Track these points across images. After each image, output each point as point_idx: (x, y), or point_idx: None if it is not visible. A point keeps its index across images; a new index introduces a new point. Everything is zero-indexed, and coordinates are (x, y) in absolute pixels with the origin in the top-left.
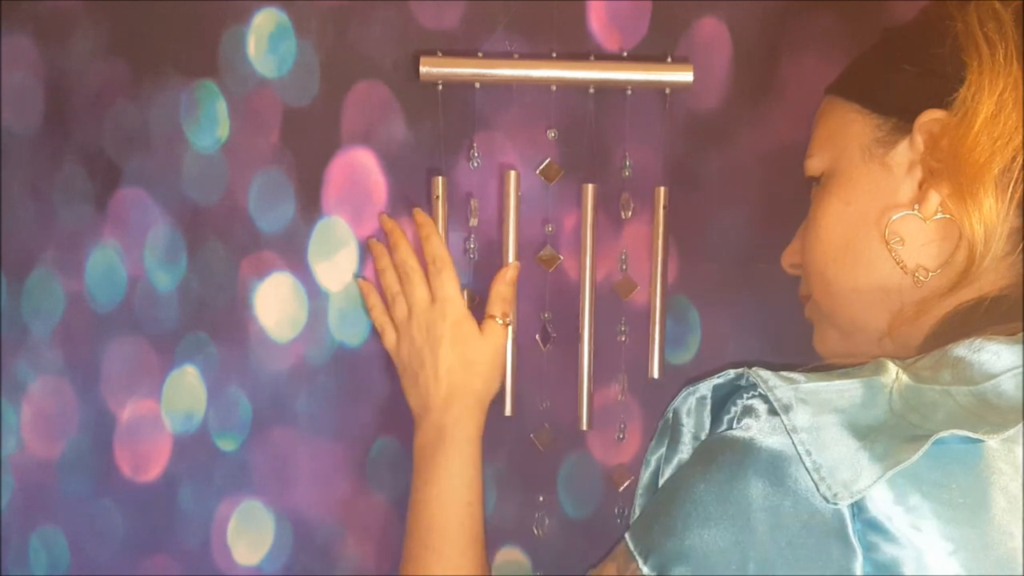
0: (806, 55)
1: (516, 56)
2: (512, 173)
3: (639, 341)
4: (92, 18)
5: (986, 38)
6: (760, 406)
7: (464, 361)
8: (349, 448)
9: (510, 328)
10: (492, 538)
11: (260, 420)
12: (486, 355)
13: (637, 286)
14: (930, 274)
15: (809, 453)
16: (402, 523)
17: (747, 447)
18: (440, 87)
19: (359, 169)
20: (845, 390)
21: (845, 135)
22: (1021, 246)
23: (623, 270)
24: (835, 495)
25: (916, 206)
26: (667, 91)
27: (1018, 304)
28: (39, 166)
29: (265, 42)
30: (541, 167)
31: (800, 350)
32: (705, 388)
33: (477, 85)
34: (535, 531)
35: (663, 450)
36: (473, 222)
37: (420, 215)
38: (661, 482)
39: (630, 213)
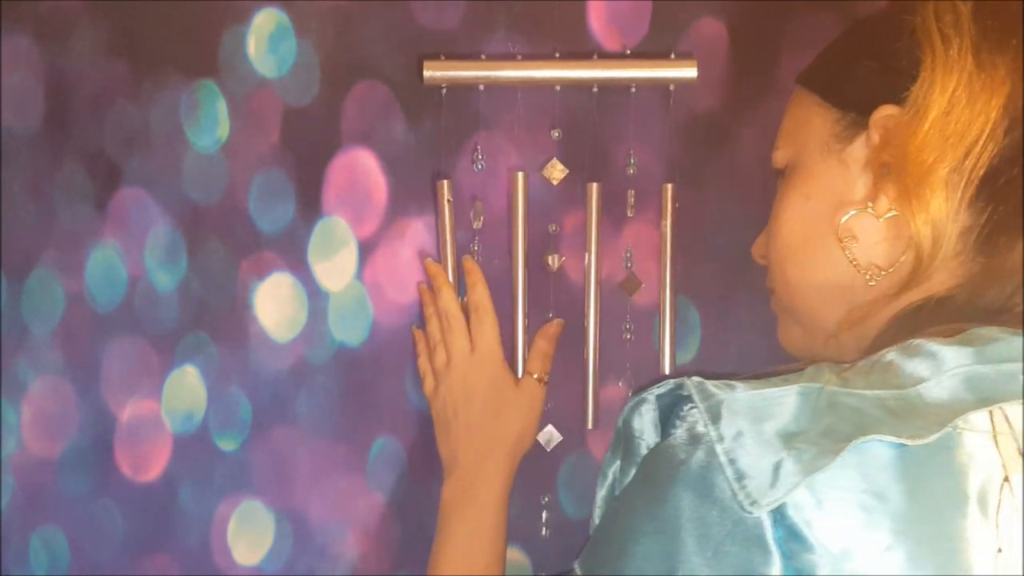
0: (806, 55)
1: (519, 57)
2: (519, 174)
3: (644, 340)
4: (92, 18)
5: (941, 33)
6: (696, 417)
7: (498, 417)
8: (349, 448)
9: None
10: None
11: (260, 420)
12: (520, 412)
13: (643, 284)
14: (882, 273)
15: (732, 462)
16: (402, 523)
17: (680, 459)
18: (444, 90)
19: (359, 169)
20: (776, 398)
21: (807, 128)
22: (972, 245)
23: (628, 268)
24: (752, 503)
25: (870, 204)
26: (671, 87)
27: (964, 304)
28: (39, 166)
29: (265, 42)
30: (545, 167)
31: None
32: (649, 398)
33: (481, 87)
34: (543, 531)
35: (619, 462)
36: (477, 224)
37: (469, 262)
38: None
39: (633, 212)
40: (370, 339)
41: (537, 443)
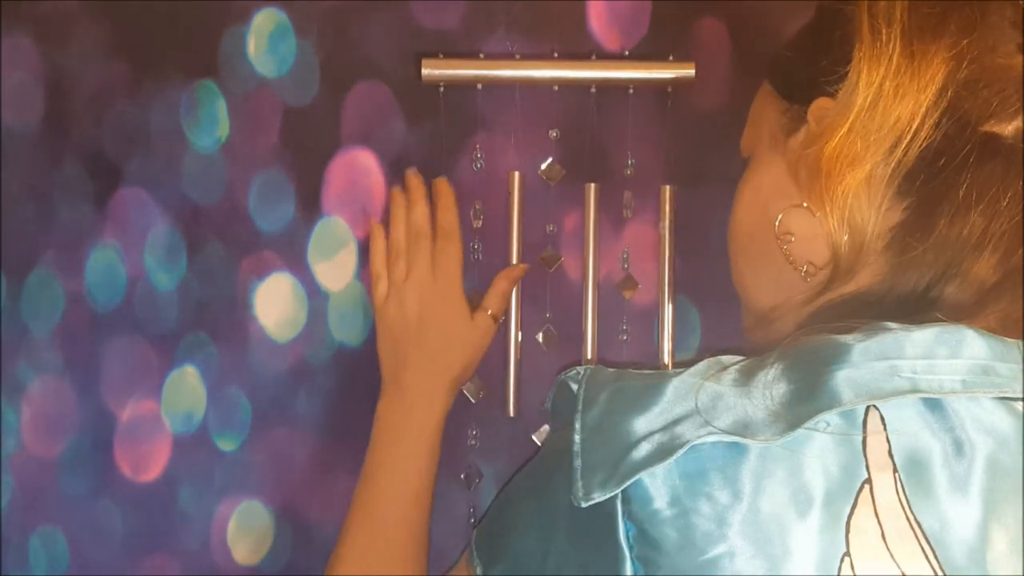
0: None
1: (517, 57)
2: (515, 174)
3: (641, 340)
4: (92, 18)
5: (871, 22)
6: (574, 403)
7: (449, 345)
8: (349, 448)
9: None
10: None
11: (260, 420)
12: (471, 344)
13: (639, 285)
14: (819, 271)
15: (582, 453)
16: None
17: (552, 447)
18: (442, 89)
19: (359, 169)
20: (638, 390)
21: (762, 120)
22: (898, 239)
23: (624, 268)
24: (580, 496)
25: (806, 200)
26: (669, 89)
27: (883, 297)
28: (39, 166)
29: (265, 42)
30: (543, 167)
31: None
32: (560, 379)
33: (479, 86)
34: None
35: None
36: (477, 224)
37: (442, 184)
38: None
39: (631, 213)
40: (370, 339)
41: (534, 442)
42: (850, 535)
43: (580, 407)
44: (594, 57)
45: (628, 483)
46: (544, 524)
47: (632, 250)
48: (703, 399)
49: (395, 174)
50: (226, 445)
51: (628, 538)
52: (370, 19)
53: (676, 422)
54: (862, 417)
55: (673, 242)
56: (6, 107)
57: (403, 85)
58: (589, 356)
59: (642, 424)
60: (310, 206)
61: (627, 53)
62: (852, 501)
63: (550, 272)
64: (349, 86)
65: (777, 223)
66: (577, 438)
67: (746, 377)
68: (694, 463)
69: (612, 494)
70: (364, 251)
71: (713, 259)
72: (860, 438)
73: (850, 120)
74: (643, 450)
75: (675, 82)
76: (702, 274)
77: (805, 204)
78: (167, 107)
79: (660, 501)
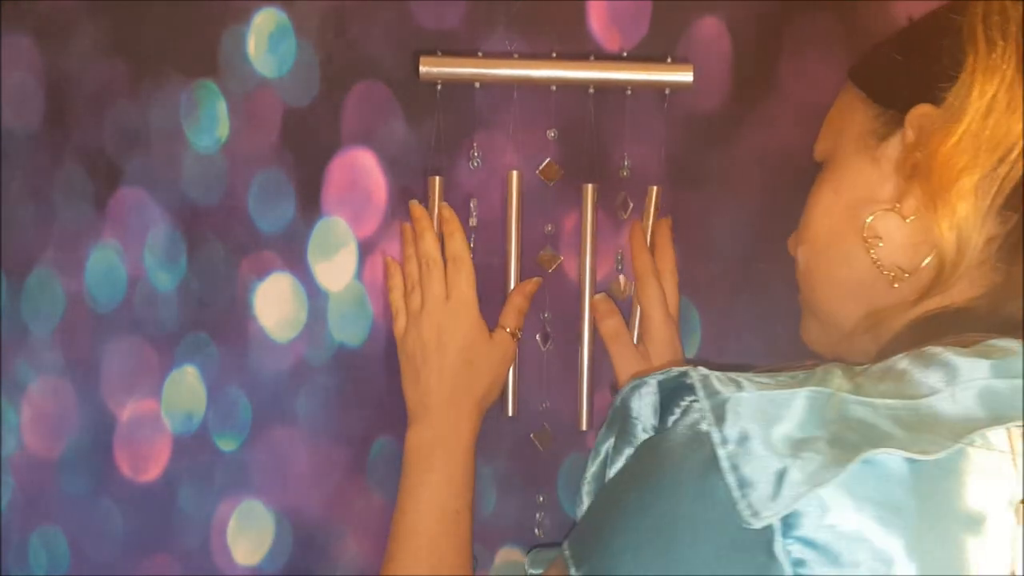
0: (806, 55)
1: (516, 56)
2: (514, 173)
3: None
4: (92, 18)
5: (986, 35)
6: (699, 414)
7: (469, 366)
8: (349, 448)
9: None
10: (492, 538)
11: (260, 420)
12: (492, 363)
13: (633, 285)
14: (906, 276)
15: (735, 468)
16: None
17: (679, 457)
18: (439, 87)
19: (359, 169)
20: (783, 401)
21: (847, 123)
22: (996, 255)
23: (619, 270)
24: (754, 513)
25: (897, 204)
26: (667, 91)
27: (984, 316)
28: (39, 166)
29: (265, 42)
30: (541, 167)
31: (799, 350)
32: (652, 383)
33: (477, 85)
34: (536, 531)
35: (613, 439)
36: (473, 222)
37: (446, 210)
38: (610, 472)
39: (627, 214)
40: (370, 339)
41: (534, 442)
42: (1015, 553)
43: (712, 417)
44: (592, 58)
45: (801, 498)
46: (664, 536)
47: (627, 251)
48: (850, 411)
49: (395, 174)
50: (226, 445)
51: (786, 552)
52: (370, 19)
53: (831, 434)
54: (1006, 434)
55: (655, 240)
56: (6, 107)
57: (403, 85)
58: (586, 356)
59: (793, 437)
60: (310, 206)
61: (625, 55)
62: (1012, 520)
63: (549, 272)
64: (349, 86)
65: (865, 225)
66: (723, 452)
67: (884, 387)
68: (861, 477)
69: (789, 510)
70: (364, 251)
71: (713, 259)
72: (1009, 455)
73: (961, 129)
74: (806, 464)
75: (673, 84)
76: (702, 274)
77: (896, 207)
78: (167, 107)
79: (827, 514)
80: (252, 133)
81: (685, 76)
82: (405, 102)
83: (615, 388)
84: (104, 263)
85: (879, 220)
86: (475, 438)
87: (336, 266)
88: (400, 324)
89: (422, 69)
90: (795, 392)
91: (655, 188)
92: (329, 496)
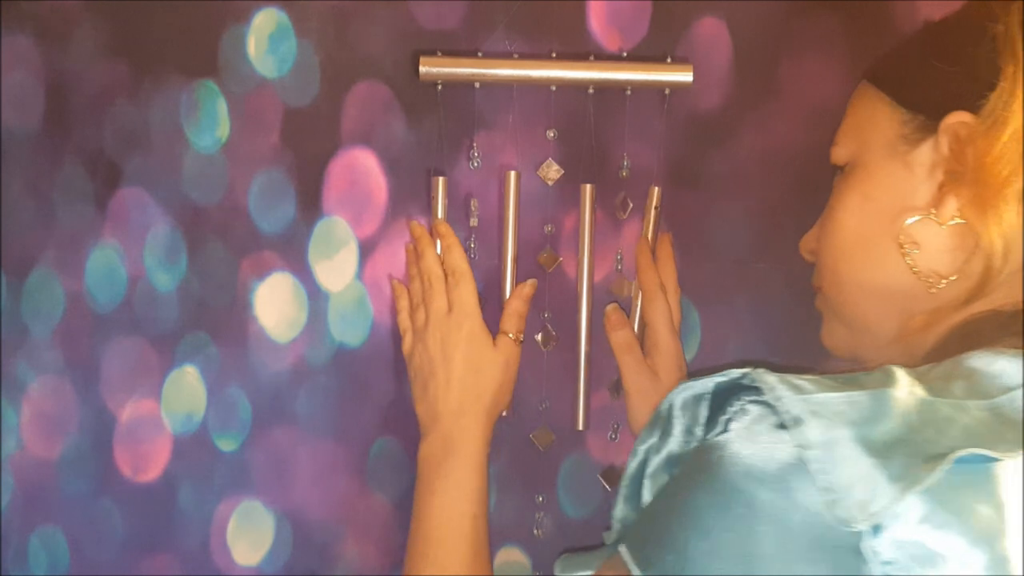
0: (806, 55)
1: (516, 56)
2: (512, 173)
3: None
4: (92, 18)
5: None
6: (762, 412)
7: (476, 374)
8: (349, 448)
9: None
10: (492, 538)
11: (260, 420)
12: (497, 369)
13: (632, 285)
14: (943, 281)
15: (824, 472)
16: (402, 523)
17: (753, 457)
18: (439, 87)
19: (359, 169)
20: (856, 402)
21: (872, 127)
22: None
23: (618, 270)
24: (850, 518)
25: (933, 210)
26: (666, 91)
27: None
28: (39, 166)
29: (265, 42)
30: (541, 167)
31: (800, 350)
32: (706, 386)
33: (477, 85)
34: (535, 531)
35: (654, 440)
36: (473, 222)
37: (442, 226)
38: (648, 471)
39: (627, 214)
40: (370, 339)
41: (533, 442)
42: None
43: (789, 418)
44: (592, 58)
45: (901, 500)
46: (742, 536)
47: (626, 252)
48: (934, 412)
49: (395, 174)
50: (226, 445)
51: (875, 553)
52: (370, 19)
53: (918, 436)
54: None
55: (654, 242)
56: (6, 107)
57: (403, 85)
58: (583, 357)
59: (880, 439)
60: (310, 206)
61: (625, 55)
62: None
63: (548, 272)
64: (349, 86)
65: (901, 231)
66: (810, 454)
67: (956, 387)
68: (951, 477)
69: (879, 516)
70: (364, 251)
71: (713, 259)
72: None
73: (1004, 138)
74: (896, 467)
75: (672, 85)
76: (702, 274)
77: (933, 213)
78: (167, 107)
79: (922, 516)
80: (252, 133)
81: (685, 76)
82: (405, 102)
83: (614, 389)
84: (104, 263)
85: (915, 226)
86: (487, 444)
87: (336, 266)
88: (408, 342)
89: (422, 69)
90: (864, 393)
91: (655, 188)
92: (329, 496)
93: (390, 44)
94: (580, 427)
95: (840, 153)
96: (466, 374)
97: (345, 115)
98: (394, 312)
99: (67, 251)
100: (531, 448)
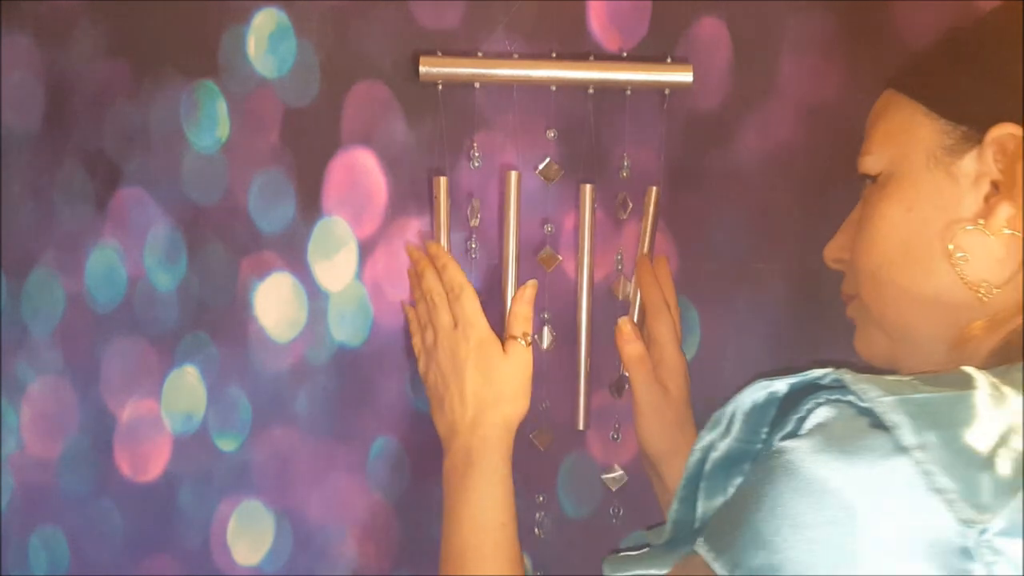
0: (806, 55)
1: (516, 56)
2: (513, 173)
3: None
4: (92, 18)
5: None
6: (850, 412)
7: (489, 383)
8: (349, 448)
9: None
10: None
11: (260, 420)
12: (510, 376)
13: (631, 284)
14: (995, 290)
15: (931, 473)
16: (402, 523)
17: (842, 457)
18: (439, 87)
19: (359, 169)
20: (951, 401)
21: (909, 137)
22: None
23: (618, 270)
24: (968, 519)
25: (982, 220)
26: (666, 92)
27: None
28: (39, 166)
29: (265, 42)
30: (541, 167)
31: (799, 350)
32: (782, 386)
33: (477, 85)
34: (536, 531)
35: (713, 438)
36: (474, 222)
37: (434, 247)
38: (706, 470)
39: (627, 214)
40: (370, 339)
41: (533, 442)
42: None
43: (886, 422)
44: (592, 58)
45: (1012, 499)
46: (842, 532)
47: (626, 252)
48: (1019, 412)
49: (395, 174)
50: (226, 445)
51: (982, 552)
52: (370, 19)
53: (1013, 436)
54: None
55: (652, 242)
56: (6, 107)
57: (403, 85)
58: (583, 356)
59: (984, 440)
60: (310, 206)
61: (625, 55)
62: None
63: (548, 272)
64: (349, 86)
65: (952, 243)
66: (915, 456)
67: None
68: None
69: (993, 519)
70: (364, 251)
71: (712, 259)
72: None
73: None
74: (1008, 467)
75: (672, 85)
76: (701, 274)
77: (981, 223)
78: (167, 107)
79: None
80: (252, 133)
81: (685, 76)
82: (405, 102)
83: (615, 389)
84: (104, 263)
85: (963, 236)
86: (508, 452)
87: (336, 266)
88: (422, 363)
89: (422, 69)
90: (957, 394)
91: (655, 188)
92: (329, 496)
93: (390, 44)
94: (580, 427)
95: (873, 163)
96: (478, 385)
97: (345, 115)
98: (394, 312)
99: (67, 251)
100: (531, 448)
